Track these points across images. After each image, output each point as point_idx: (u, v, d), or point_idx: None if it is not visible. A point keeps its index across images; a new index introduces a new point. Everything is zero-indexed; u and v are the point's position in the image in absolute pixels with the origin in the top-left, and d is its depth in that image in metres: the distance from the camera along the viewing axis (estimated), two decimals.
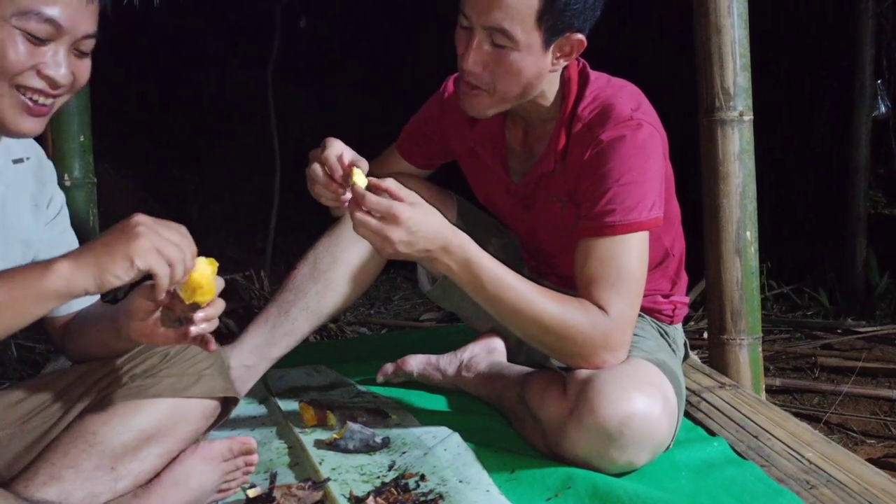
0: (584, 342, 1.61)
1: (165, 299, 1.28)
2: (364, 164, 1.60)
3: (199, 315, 1.28)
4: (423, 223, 1.52)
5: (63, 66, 1.27)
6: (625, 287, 1.63)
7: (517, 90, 1.70)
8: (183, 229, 1.22)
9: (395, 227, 1.50)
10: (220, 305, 1.30)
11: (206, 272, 1.25)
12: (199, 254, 1.25)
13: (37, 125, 1.30)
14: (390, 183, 1.53)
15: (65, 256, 1.16)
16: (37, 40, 1.24)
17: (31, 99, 1.27)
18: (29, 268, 1.17)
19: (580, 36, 1.67)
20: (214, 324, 1.31)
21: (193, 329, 1.29)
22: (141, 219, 1.18)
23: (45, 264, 1.15)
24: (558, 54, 1.69)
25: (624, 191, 1.65)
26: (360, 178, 1.55)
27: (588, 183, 1.70)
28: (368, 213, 1.50)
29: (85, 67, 1.33)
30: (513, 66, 1.65)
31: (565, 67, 1.76)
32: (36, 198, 1.46)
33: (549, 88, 1.77)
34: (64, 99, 1.33)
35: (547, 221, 1.87)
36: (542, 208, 1.86)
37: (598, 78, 1.79)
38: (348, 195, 1.57)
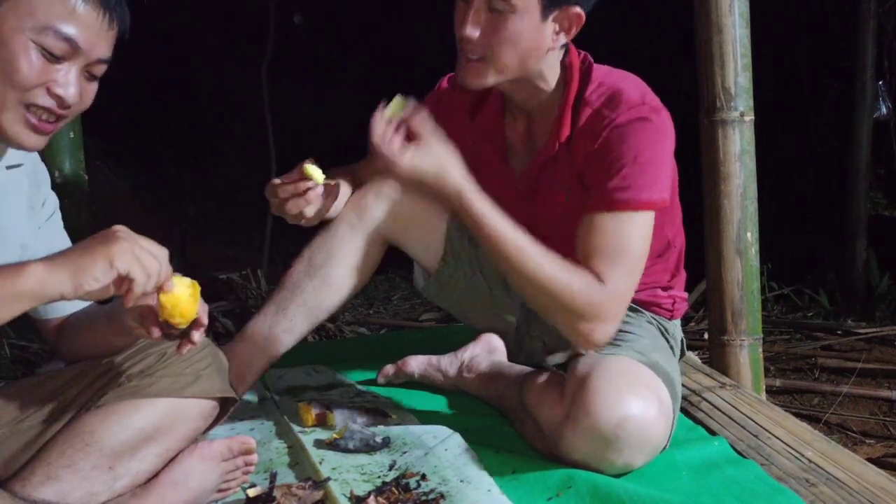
0: (576, 306, 1.61)
1: (156, 330, 1.30)
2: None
3: (196, 336, 1.30)
4: (435, 152, 1.57)
5: (73, 87, 1.27)
6: (625, 261, 1.64)
7: (515, 58, 1.69)
8: (161, 247, 1.21)
9: (397, 168, 1.56)
10: (201, 329, 1.32)
11: (183, 292, 1.25)
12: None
13: (39, 141, 1.30)
14: (420, 120, 1.58)
15: (42, 258, 1.14)
16: (52, 57, 1.24)
17: (35, 115, 1.26)
18: (3, 268, 1.14)
19: (578, 9, 1.67)
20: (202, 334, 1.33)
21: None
22: (122, 227, 1.18)
23: (20, 265, 1.13)
24: (557, 28, 1.69)
25: (639, 169, 1.66)
26: (314, 172, 1.63)
27: (602, 163, 1.70)
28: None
29: (92, 90, 1.32)
30: (510, 31, 1.65)
31: (566, 54, 1.77)
32: (31, 199, 1.46)
33: (550, 72, 1.77)
34: (67, 120, 1.32)
35: (550, 212, 1.86)
36: (544, 199, 1.85)
37: (600, 67, 1.80)
38: (308, 184, 1.66)
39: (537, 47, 1.70)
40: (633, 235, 1.65)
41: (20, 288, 1.11)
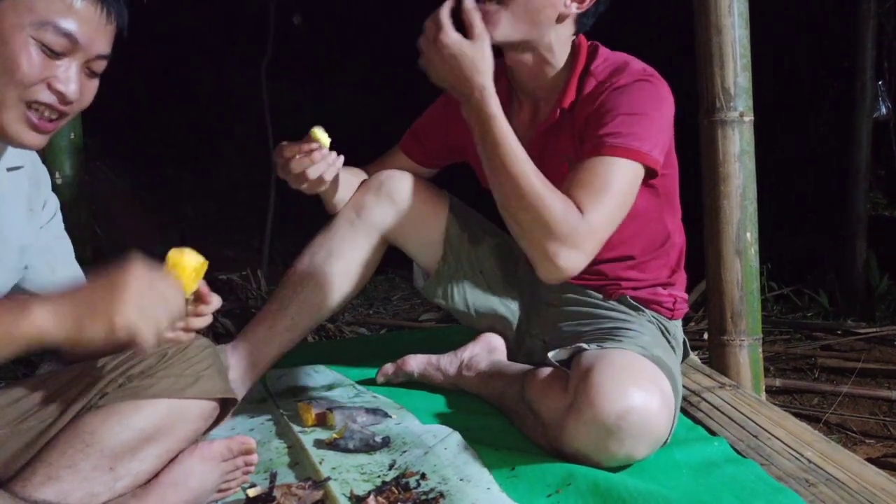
0: (551, 224, 1.60)
1: None
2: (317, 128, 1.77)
3: (194, 323, 1.32)
4: (468, 50, 1.60)
5: (74, 83, 1.26)
6: (607, 198, 1.65)
7: (528, 12, 1.72)
8: (173, 287, 1.21)
9: (433, 48, 1.61)
10: (210, 308, 1.34)
11: (188, 264, 1.26)
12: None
13: (40, 140, 1.29)
14: (474, 16, 1.62)
15: (47, 301, 1.13)
16: (52, 53, 1.24)
17: (37, 112, 1.26)
18: (6, 306, 1.13)
19: None
20: (206, 321, 1.33)
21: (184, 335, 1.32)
22: (136, 270, 1.16)
23: (24, 307, 1.12)
24: None
25: (632, 120, 1.69)
26: (321, 135, 1.74)
27: (597, 116, 1.73)
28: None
29: (92, 88, 1.32)
30: None
31: (577, 36, 1.81)
32: (31, 201, 1.45)
33: (559, 47, 1.81)
34: (68, 118, 1.32)
35: (554, 183, 1.87)
36: (547, 172, 1.85)
37: (607, 49, 1.85)
38: (313, 146, 1.76)
39: (552, 4, 1.73)
40: (617, 179, 1.66)
41: (19, 333, 1.12)
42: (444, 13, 1.62)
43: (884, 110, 4.26)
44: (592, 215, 1.62)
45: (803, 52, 5.21)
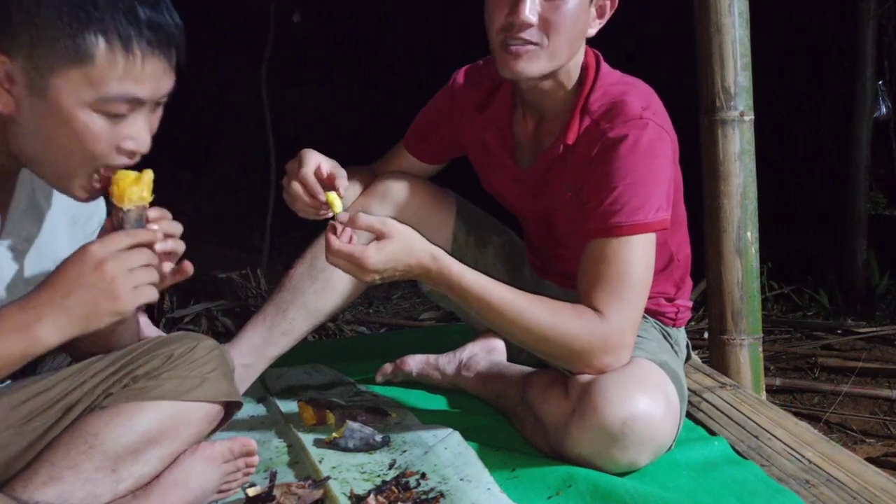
0: (582, 347, 1.59)
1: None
2: (343, 176, 1.66)
3: (153, 226, 1.26)
4: (392, 262, 1.53)
5: (144, 134, 1.23)
6: (626, 289, 1.61)
7: (568, 44, 1.67)
8: (141, 236, 1.20)
9: (364, 270, 1.52)
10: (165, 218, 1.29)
11: (128, 177, 1.24)
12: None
13: (91, 200, 1.30)
14: (364, 221, 1.54)
15: (45, 317, 1.14)
16: (117, 117, 1.20)
17: (103, 176, 1.24)
18: (7, 332, 1.14)
19: None
20: (175, 245, 1.28)
21: (158, 246, 1.25)
22: (105, 259, 1.16)
23: (27, 330, 1.14)
24: (594, 13, 1.70)
25: (630, 191, 1.64)
26: (337, 203, 1.59)
27: (594, 181, 1.68)
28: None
29: (157, 118, 1.29)
30: (569, 14, 1.64)
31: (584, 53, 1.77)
32: (76, 215, 1.44)
33: (575, 69, 1.75)
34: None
35: (559, 207, 1.85)
36: (551, 196, 1.84)
37: (611, 73, 1.78)
38: (322, 210, 1.66)
39: (582, 30, 1.69)
40: (632, 260, 1.63)
41: (29, 354, 1.16)
42: (340, 253, 1.51)
43: (884, 110, 4.26)
44: (615, 316, 1.60)
45: (803, 53, 5.21)
